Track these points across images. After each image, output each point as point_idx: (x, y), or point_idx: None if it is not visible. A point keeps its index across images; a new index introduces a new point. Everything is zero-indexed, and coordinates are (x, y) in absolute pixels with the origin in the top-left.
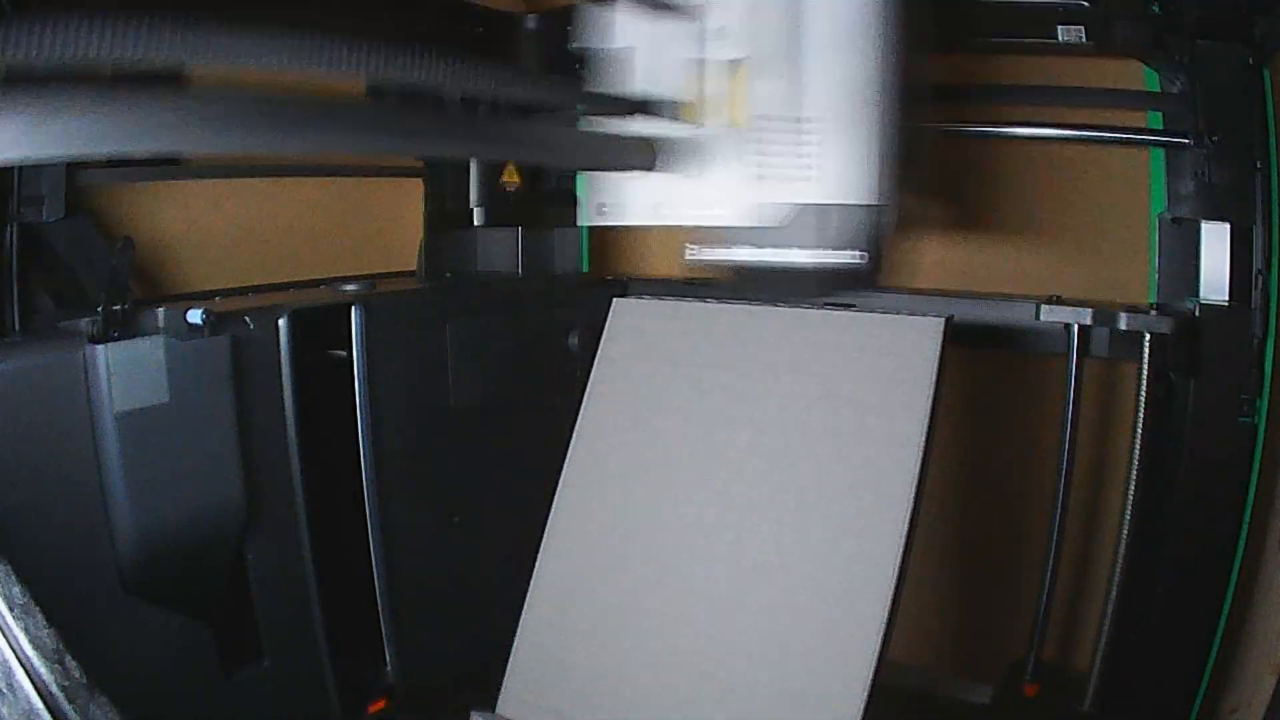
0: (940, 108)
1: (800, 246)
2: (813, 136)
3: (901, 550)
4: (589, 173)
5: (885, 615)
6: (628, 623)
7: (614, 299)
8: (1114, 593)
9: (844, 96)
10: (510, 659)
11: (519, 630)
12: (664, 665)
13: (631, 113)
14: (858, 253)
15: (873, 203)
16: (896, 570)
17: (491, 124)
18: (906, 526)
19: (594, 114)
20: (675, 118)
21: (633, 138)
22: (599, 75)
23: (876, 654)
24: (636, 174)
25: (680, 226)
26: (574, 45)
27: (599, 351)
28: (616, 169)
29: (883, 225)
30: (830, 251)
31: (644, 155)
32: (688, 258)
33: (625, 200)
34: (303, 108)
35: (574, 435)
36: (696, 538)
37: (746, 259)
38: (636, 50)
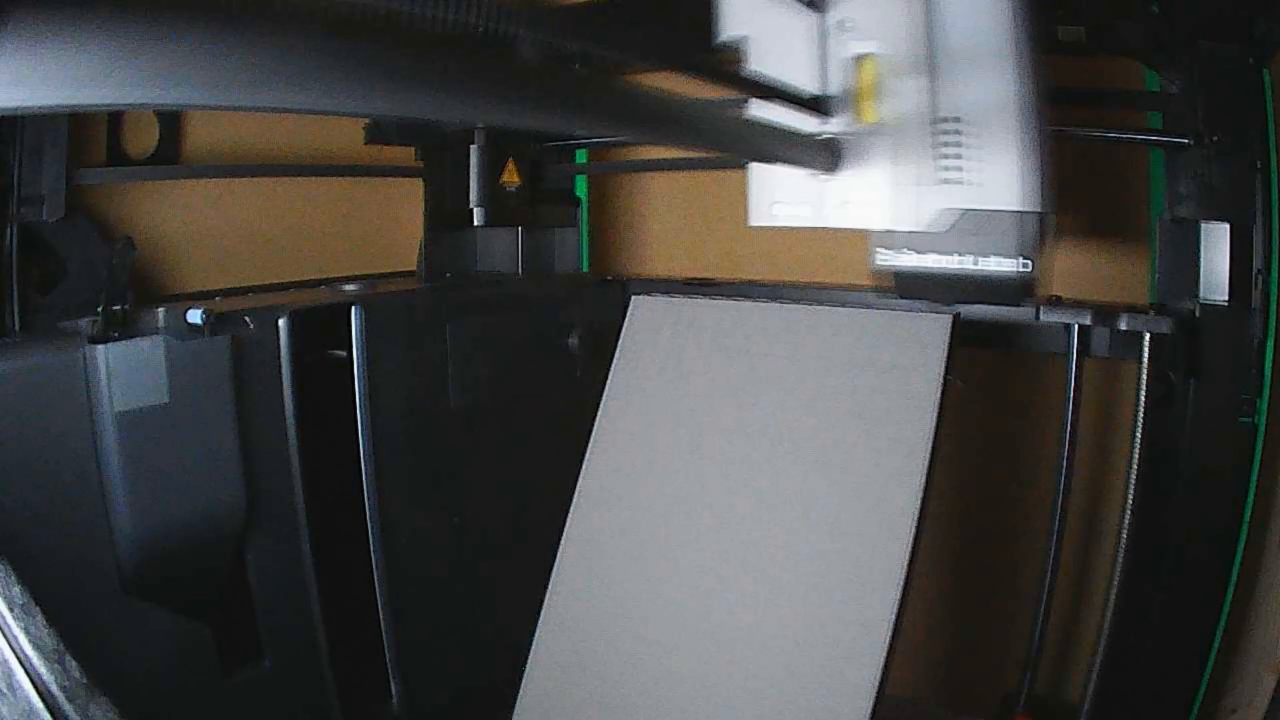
0: None
1: (961, 253)
2: (974, 139)
3: (904, 575)
4: (756, 173)
5: (884, 650)
6: (638, 651)
7: (632, 297)
8: (1112, 595)
9: (1002, 97)
10: (523, 683)
11: (532, 653)
12: (672, 699)
13: (800, 106)
14: (1023, 260)
15: (1037, 209)
16: (898, 598)
17: (689, 110)
18: (911, 540)
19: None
20: (842, 115)
21: (820, 137)
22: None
23: (876, 688)
24: (805, 174)
25: (780, 229)
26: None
27: (618, 349)
28: (798, 166)
29: (1045, 232)
30: (994, 259)
31: (828, 155)
32: (877, 262)
33: (799, 200)
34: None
35: (593, 435)
36: (710, 551)
37: (920, 265)
38: (753, 39)
